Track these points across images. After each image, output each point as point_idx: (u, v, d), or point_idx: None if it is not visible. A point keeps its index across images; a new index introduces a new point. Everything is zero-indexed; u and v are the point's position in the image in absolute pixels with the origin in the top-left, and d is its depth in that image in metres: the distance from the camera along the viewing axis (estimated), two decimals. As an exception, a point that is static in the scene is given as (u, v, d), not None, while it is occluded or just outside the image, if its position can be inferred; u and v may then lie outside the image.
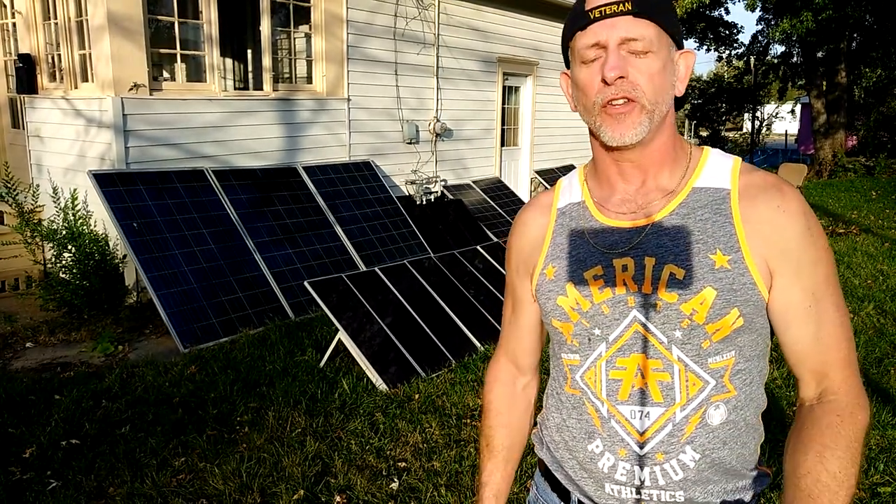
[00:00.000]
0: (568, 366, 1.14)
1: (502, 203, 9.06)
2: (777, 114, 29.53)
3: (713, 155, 1.09)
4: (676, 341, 1.02)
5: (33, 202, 6.32)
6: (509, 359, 1.31)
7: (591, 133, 1.08)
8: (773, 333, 1.07)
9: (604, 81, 0.99)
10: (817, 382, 1.01)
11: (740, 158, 1.08)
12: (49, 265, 6.11)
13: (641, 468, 1.05)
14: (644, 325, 1.03)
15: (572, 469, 1.15)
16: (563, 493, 1.18)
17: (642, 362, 1.04)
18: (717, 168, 1.07)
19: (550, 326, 1.16)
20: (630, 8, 0.98)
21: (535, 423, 1.30)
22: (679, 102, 1.09)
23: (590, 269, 1.08)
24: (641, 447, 1.05)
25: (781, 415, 3.62)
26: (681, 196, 1.05)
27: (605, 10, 0.99)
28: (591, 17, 1.00)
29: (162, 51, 6.88)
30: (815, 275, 0.99)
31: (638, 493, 1.06)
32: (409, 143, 8.30)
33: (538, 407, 1.32)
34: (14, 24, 6.80)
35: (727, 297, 0.99)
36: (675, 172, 1.07)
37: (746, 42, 20.72)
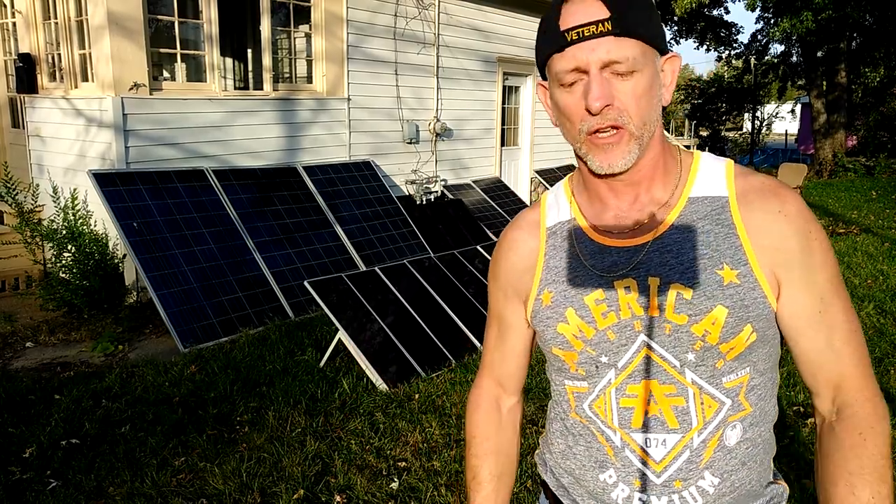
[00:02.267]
0: (573, 393, 1.07)
1: (502, 203, 9.06)
2: (777, 114, 29.54)
3: (704, 159, 1.04)
4: (689, 364, 0.96)
5: (33, 202, 6.32)
6: (494, 381, 1.24)
7: (577, 154, 1.03)
8: (783, 341, 1.04)
9: (588, 111, 0.93)
10: (834, 395, 0.98)
11: (732, 161, 1.04)
12: (49, 265, 6.11)
13: (658, 497, 1.00)
14: (653, 350, 0.98)
15: (581, 497, 1.09)
16: None
17: (654, 388, 0.98)
18: (711, 174, 1.02)
19: (550, 354, 1.09)
20: (610, 28, 0.90)
21: (539, 445, 1.23)
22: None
23: (590, 293, 1.01)
24: (658, 476, 1.00)
25: (782, 415, 3.62)
26: (678, 208, 1.00)
27: (582, 32, 0.90)
28: (568, 38, 0.91)
29: (162, 50, 6.88)
30: (821, 279, 0.96)
31: None
32: (409, 143, 8.30)
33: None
34: (14, 24, 6.80)
35: (739, 313, 0.94)
36: (667, 183, 1.02)
37: (745, 42, 20.73)
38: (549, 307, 1.05)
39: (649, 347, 0.98)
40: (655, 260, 0.98)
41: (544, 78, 1.02)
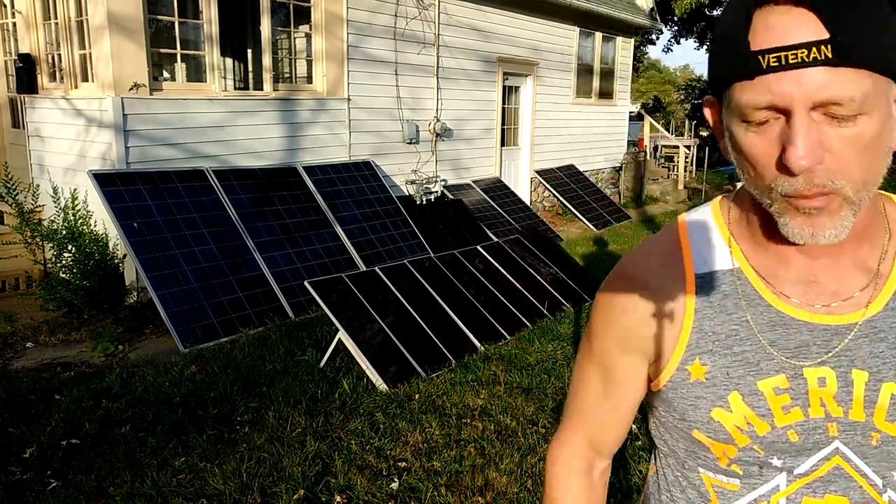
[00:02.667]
0: (714, 488, 0.85)
1: (502, 203, 9.07)
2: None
3: None
4: (893, 484, 0.77)
5: (33, 202, 6.32)
6: (588, 441, 0.99)
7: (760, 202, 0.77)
8: None
9: (786, 169, 0.67)
10: None
11: None
12: (49, 265, 6.11)
13: None
14: (849, 461, 0.77)
15: None
16: None
17: None
18: None
19: (685, 433, 0.85)
20: (829, 56, 0.62)
21: None
22: None
23: (767, 378, 0.78)
24: None
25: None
26: (894, 281, 0.77)
27: (785, 58, 0.64)
28: (764, 63, 0.65)
29: (162, 51, 6.88)
30: None
31: None
32: (409, 143, 8.30)
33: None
34: (14, 24, 6.80)
35: None
36: (875, 242, 0.78)
37: (746, 42, 20.73)
38: (703, 385, 0.81)
39: (844, 457, 0.77)
40: (865, 348, 0.76)
41: (716, 97, 0.76)
